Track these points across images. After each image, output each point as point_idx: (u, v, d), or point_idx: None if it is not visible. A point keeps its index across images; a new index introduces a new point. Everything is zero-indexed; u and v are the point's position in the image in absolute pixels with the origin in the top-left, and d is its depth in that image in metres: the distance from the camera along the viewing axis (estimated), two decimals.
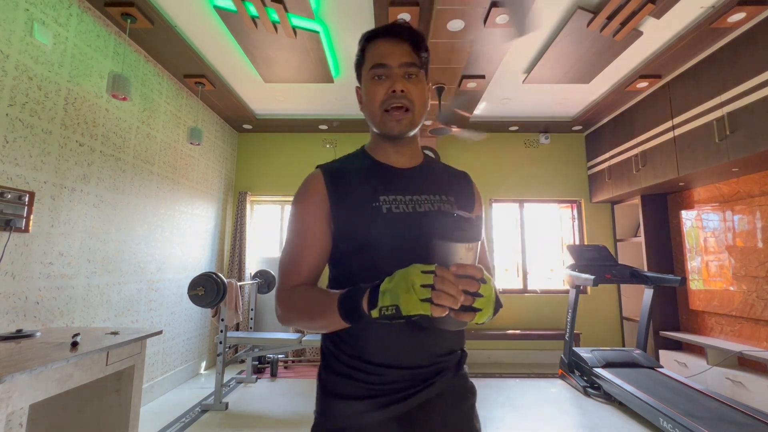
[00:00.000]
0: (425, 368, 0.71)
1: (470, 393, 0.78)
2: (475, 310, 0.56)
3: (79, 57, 2.28)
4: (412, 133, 0.80)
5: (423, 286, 0.53)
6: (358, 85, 0.84)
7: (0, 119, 1.81)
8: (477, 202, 0.88)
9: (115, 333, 1.81)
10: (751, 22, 2.45)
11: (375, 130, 0.80)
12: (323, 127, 4.46)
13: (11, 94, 1.86)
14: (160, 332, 1.97)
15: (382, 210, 0.73)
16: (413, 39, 0.76)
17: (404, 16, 2.38)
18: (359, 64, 0.81)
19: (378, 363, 0.70)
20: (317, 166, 0.82)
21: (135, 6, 2.33)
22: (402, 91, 0.73)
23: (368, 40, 0.78)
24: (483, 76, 3.20)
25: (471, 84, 3.28)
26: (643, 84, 3.29)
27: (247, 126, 4.45)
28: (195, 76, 3.25)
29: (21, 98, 1.91)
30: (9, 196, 1.81)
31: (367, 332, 0.70)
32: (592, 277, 3.22)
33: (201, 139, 3.27)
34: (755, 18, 2.41)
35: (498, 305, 0.67)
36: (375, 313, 0.56)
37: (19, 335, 1.63)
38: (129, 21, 2.45)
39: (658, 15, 2.43)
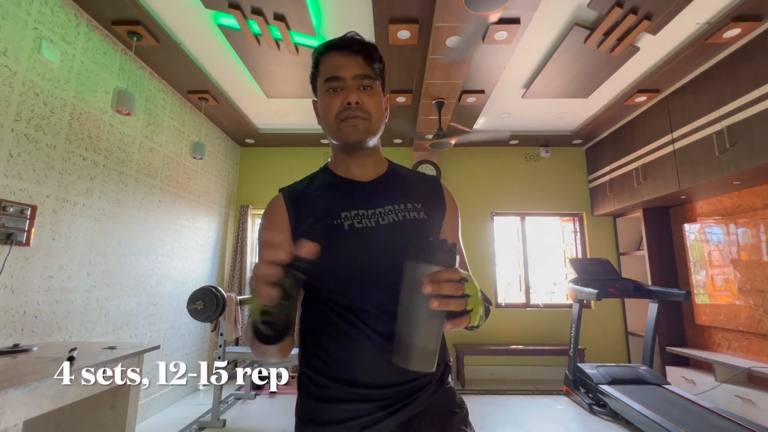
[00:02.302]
0: (404, 385, 0.68)
1: (458, 408, 0.74)
2: (467, 311, 0.55)
3: (86, 74, 2.32)
4: (371, 143, 0.78)
5: None
6: (314, 98, 0.82)
7: (5, 134, 1.83)
8: (450, 207, 0.83)
9: (112, 348, 1.79)
10: (747, 38, 2.48)
11: (334, 141, 0.78)
12: (324, 141, 4.51)
13: (17, 109, 1.89)
14: (157, 347, 1.94)
15: (343, 227, 0.70)
16: (366, 51, 0.76)
17: (404, 33, 2.42)
18: (314, 78, 0.80)
19: (355, 383, 0.67)
20: (279, 190, 0.81)
21: (141, 24, 2.39)
22: (357, 102, 0.72)
23: (321, 53, 0.77)
24: (482, 91, 3.23)
25: (470, 99, 3.32)
26: (641, 98, 3.32)
27: (249, 140, 4.50)
28: (199, 91, 3.30)
29: (27, 114, 1.94)
30: (11, 209, 1.82)
31: (344, 352, 0.68)
32: (596, 291, 3.18)
33: (204, 153, 3.31)
34: (750, 34, 2.45)
35: (487, 303, 0.67)
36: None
37: (15, 350, 1.62)
38: (135, 39, 2.50)
39: (654, 31, 2.46)
